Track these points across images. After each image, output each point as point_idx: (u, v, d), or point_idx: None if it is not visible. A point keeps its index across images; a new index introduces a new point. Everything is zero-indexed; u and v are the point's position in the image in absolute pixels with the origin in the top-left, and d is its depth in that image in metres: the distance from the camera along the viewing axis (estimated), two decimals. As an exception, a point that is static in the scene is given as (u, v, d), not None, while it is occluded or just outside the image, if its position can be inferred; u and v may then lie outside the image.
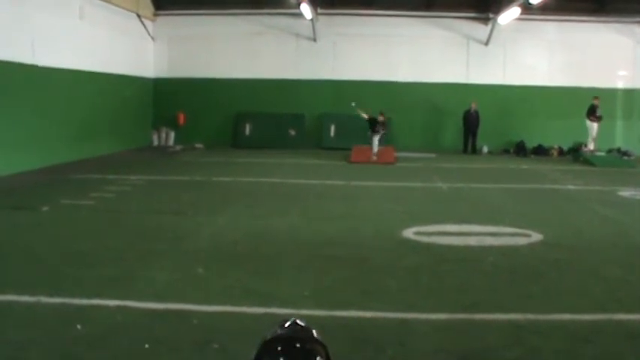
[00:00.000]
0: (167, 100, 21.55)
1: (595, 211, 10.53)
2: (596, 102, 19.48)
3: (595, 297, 5.80)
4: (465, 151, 20.76)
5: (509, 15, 19.30)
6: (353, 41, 21.44)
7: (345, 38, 21.45)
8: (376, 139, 17.89)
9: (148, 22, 21.21)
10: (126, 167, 15.26)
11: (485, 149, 20.99)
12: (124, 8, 18.90)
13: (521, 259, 7.13)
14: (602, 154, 19.55)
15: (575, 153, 19.93)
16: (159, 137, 21.74)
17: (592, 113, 19.49)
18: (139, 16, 20.25)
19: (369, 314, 5.16)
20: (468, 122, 20.63)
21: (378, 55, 21.40)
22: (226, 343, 4.49)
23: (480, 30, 21.33)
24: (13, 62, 13.24)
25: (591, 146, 19.89)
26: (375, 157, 17.80)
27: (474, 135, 20.66)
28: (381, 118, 18.06)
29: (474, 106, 20.44)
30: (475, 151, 20.72)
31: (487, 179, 14.46)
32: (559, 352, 4.50)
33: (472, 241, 7.95)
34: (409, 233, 8.31)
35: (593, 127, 19.55)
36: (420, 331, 4.83)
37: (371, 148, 17.98)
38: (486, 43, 21.31)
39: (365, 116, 17.84)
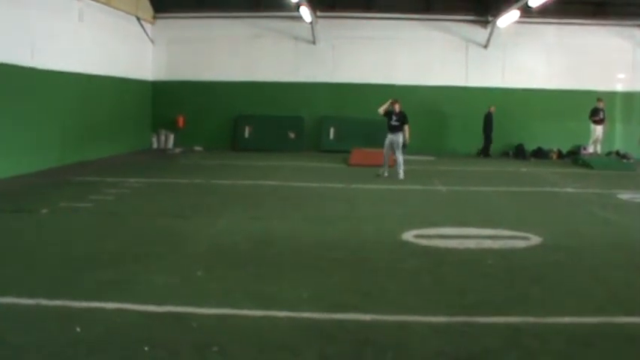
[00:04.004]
0: (166, 102, 21.58)
1: (594, 213, 10.54)
2: (599, 104, 19.49)
3: (595, 299, 5.79)
4: (485, 153, 20.68)
5: (509, 18, 19.34)
6: (352, 44, 21.48)
7: (344, 41, 21.49)
8: (389, 141, 14.13)
9: (147, 25, 21.24)
10: (125, 170, 15.26)
11: (483, 152, 21.01)
12: (123, 11, 18.93)
13: (521, 262, 7.13)
14: (601, 156, 19.56)
15: (574, 156, 19.95)
16: (158, 140, 21.75)
17: (594, 115, 19.52)
18: (138, 18, 20.28)
19: (368, 317, 5.15)
20: (486, 125, 20.60)
21: (378, 57, 21.43)
22: (226, 346, 4.49)
23: (480, 33, 21.38)
24: (12, 64, 13.25)
25: (591, 149, 19.90)
26: (385, 173, 14.20)
27: (488, 137, 20.63)
28: (397, 107, 14.10)
29: (492, 110, 20.42)
30: (487, 154, 20.68)
31: (486, 182, 14.45)
32: (558, 355, 4.50)
33: (471, 243, 7.95)
34: (409, 236, 8.31)
35: (596, 129, 19.57)
36: (419, 334, 4.83)
37: (384, 155, 14.30)
38: (485, 46, 21.35)
39: (381, 111, 14.30)
